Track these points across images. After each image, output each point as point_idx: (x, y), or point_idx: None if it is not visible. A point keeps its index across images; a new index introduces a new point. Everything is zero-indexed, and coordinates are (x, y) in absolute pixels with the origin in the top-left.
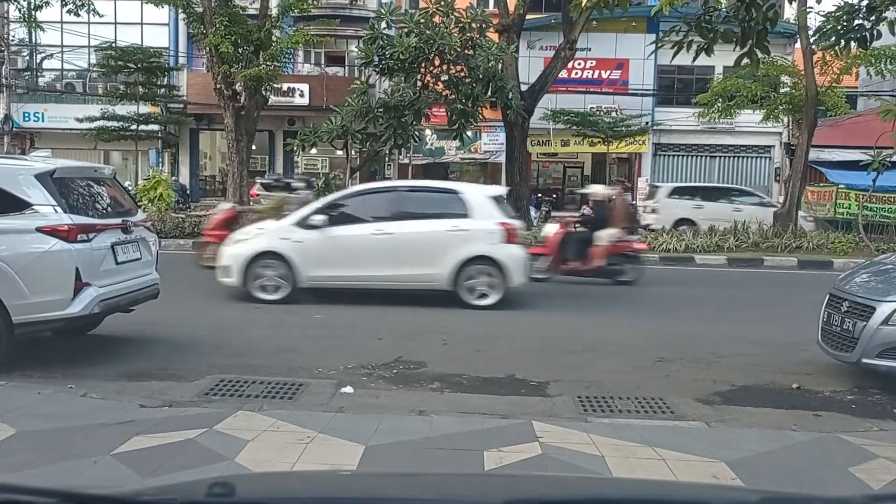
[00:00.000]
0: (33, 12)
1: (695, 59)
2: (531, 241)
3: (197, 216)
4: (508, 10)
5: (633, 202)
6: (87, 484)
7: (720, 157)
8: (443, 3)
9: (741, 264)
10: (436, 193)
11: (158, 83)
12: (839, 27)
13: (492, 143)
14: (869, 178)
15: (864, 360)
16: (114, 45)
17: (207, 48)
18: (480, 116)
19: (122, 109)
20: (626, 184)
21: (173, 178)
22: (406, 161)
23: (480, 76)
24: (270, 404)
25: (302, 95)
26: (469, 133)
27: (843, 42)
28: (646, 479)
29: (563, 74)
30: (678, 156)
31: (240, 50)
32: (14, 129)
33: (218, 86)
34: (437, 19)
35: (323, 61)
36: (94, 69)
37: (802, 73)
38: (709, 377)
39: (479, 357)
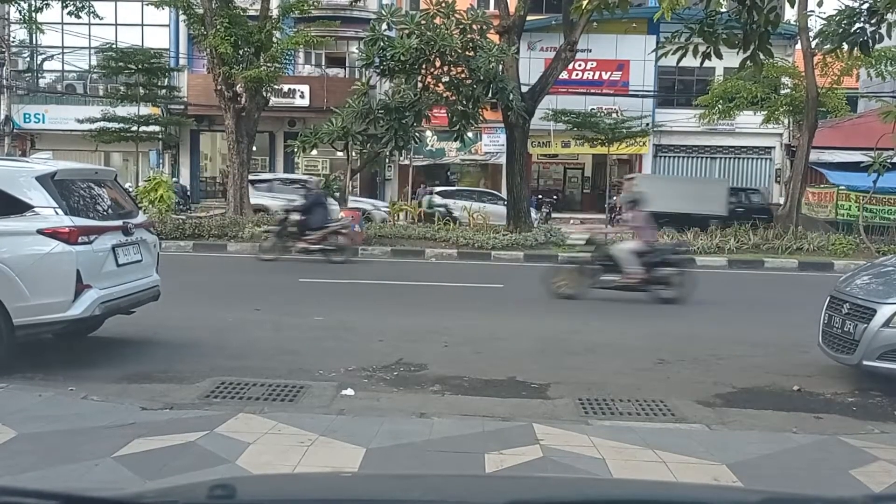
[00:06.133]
0: (34, 14)
1: (702, 63)
2: None
3: (197, 217)
4: (509, 12)
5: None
6: (88, 486)
7: (720, 158)
8: (443, 4)
9: (742, 266)
10: None
11: (159, 84)
12: (840, 30)
13: (492, 144)
14: (869, 180)
15: (865, 363)
16: (114, 46)
17: (208, 49)
18: (481, 118)
19: (123, 111)
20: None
21: (174, 179)
22: (407, 162)
23: (481, 77)
24: (271, 407)
25: (302, 97)
26: (470, 134)
27: (844, 46)
28: (647, 481)
29: (564, 76)
30: (678, 157)
31: (240, 51)
32: (15, 131)
33: (218, 87)
34: (437, 21)
35: (323, 62)
36: (95, 70)
37: (803, 74)
38: (709, 379)
39: (480, 359)
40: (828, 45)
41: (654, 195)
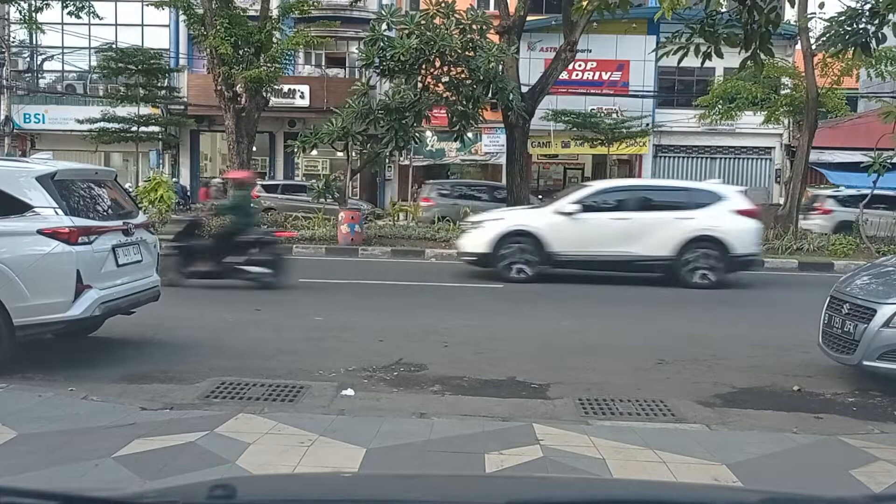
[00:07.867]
0: (34, 14)
1: (702, 63)
2: None
3: None
4: (509, 12)
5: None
6: (88, 486)
7: (721, 158)
8: (443, 4)
9: None
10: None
11: (159, 85)
12: (842, 31)
13: (492, 144)
14: (869, 180)
15: (865, 363)
16: (114, 46)
17: (208, 50)
18: (481, 118)
19: (123, 111)
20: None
21: (174, 179)
22: (407, 163)
23: (481, 78)
24: (271, 407)
25: (302, 97)
26: (470, 134)
27: (847, 47)
28: (647, 480)
29: (564, 76)
30: (679, 157)
31: (240, 51)
32: (15, 131)
33: (218, 87)
34: (437, 21)
35: (323, 63)
36: (95, 71)
37: (803, 74)
38: (710, 379)
39: (480, 359)
40: (832, 49)
41: None
